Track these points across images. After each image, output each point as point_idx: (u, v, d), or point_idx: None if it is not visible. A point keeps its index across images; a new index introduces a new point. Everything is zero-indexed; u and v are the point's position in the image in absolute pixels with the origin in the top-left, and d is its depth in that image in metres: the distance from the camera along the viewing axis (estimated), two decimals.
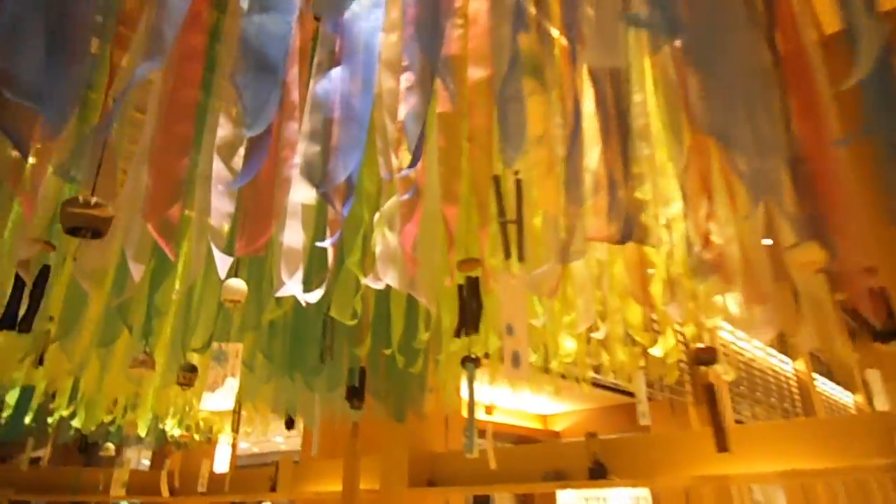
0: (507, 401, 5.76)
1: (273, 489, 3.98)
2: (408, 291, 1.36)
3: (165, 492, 4.37)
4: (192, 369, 2.18)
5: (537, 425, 6.63)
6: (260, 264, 1.72)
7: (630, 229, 1.04)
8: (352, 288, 1.70)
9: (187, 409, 3.58)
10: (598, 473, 2.94)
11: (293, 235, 1.30)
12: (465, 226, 1.64)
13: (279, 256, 1.28)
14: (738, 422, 5.43)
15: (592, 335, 1.70)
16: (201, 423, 3.91)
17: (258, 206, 1.18)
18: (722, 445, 1.51)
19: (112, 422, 3.32)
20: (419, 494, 3.59)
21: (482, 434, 2.88)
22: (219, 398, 1.24)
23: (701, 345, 1.63)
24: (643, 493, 5.01)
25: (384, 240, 1.36)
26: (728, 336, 5.97)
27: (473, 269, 1.46)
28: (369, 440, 3.72)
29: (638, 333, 1.71)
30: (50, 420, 3.02)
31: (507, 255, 1.06)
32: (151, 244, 1.36)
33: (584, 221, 1.09)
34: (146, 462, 6.07)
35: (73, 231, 0.87)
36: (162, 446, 4.96)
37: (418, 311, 1.96)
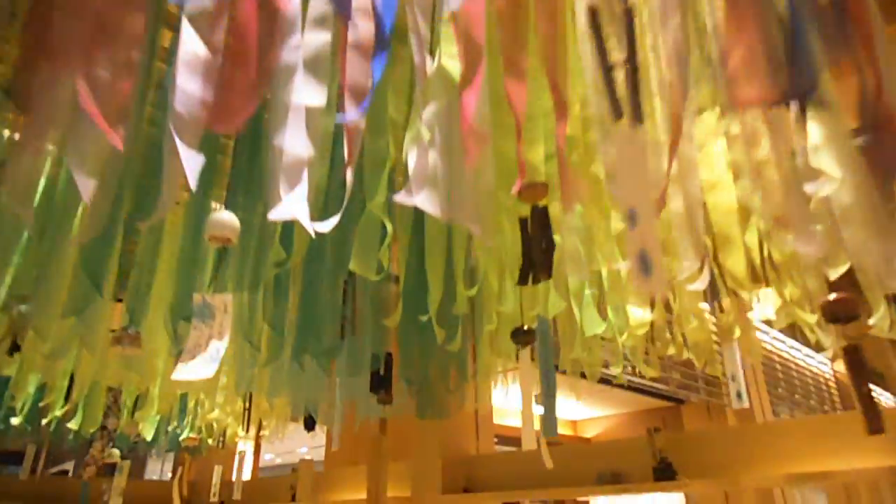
0: (533, 406, 5.32)
1: (293, 498, 3.63)
2: (449, 220, 1.00)
3: (177, 501, 4.05)
4: None
5: (567, 431, 6.19)
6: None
7: (812, 82, 0.66)
8: (376, 235, 1.34)
9: (198, 407, 3.25)
10: (664, 474, 2.53)
11: (296, 142, 0.95)
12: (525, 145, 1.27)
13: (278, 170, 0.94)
14: None
15: (690, 287, 1.31)
16: (214, 426, 3.57)
17: (240, 77, 0.83)
18: (876, 425, 1.12)
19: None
20: (454, 501, 3.21)
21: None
22: (197, 365, 0.89)
23: (834, 296, 1.24)
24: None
25: (422, 152, 0.99)
26: (764, 336, 5.51)
27: (541, 197, 1.09)
28: (399, 441, 3.35)
29: (744, 286, 1.32)
30: (45, 422, 2.71)
31: (618, 113, 0.70)
32: (116, 158, 1.02)
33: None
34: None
35: None
36: (181, 453, 4.64)
37: (455, 273, 1.59)
